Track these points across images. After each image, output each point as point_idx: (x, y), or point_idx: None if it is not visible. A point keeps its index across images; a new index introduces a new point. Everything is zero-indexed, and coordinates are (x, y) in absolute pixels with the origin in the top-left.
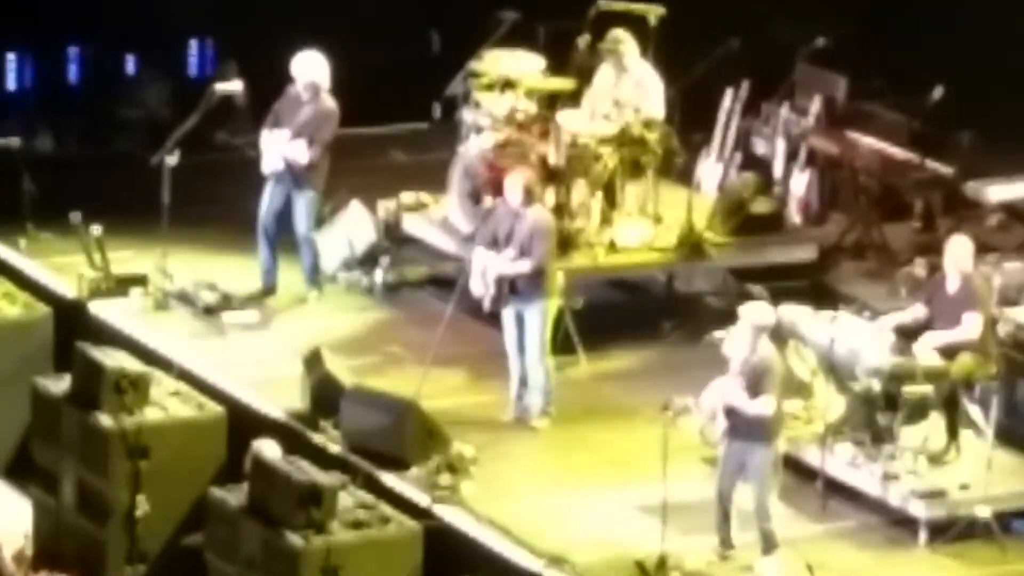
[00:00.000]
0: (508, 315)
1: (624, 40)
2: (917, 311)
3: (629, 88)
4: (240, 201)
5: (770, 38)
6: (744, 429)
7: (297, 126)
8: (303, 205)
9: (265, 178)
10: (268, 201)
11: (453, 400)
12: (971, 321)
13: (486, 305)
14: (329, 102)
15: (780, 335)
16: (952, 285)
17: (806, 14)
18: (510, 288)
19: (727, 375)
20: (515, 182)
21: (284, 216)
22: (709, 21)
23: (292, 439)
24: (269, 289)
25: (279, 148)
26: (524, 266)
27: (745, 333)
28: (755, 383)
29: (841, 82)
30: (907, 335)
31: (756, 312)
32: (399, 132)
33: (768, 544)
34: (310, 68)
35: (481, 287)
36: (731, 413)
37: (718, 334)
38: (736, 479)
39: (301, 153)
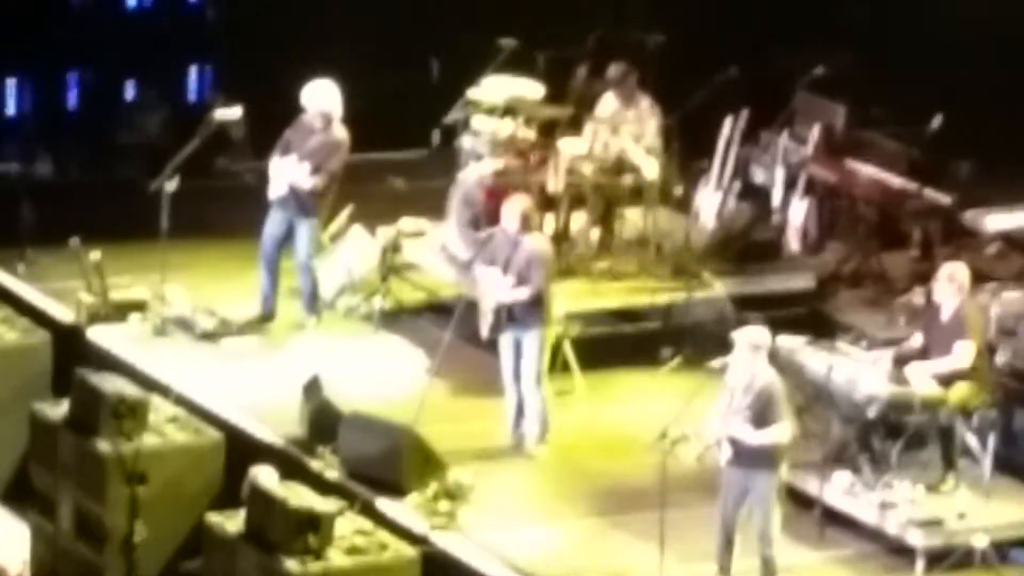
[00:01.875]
0: (505, 342)
1: (629, 73)
2: (916, 340)
3: (631, 117)
4: (239, 227)
5: (769, 66)
6: (748, 457)
7: (305, 153)
8: (304, 232)
9: (268, 204)
10: (271, 227)
11: (451, 427)
12: (962, 350)
13: (484, 333)
14: (340, 132)
15: (777, 364)
16: (945, 313)
17: (805, 42)
18: (508, 315)
19: (730, 404)
20: (513, 209)
21: (286, 243)
22: (708, 49)
23: (290, 465)
24: (268, 315)
25: (286, 174)
26: (522, 293)
27: (744, 358)
28: (760, 412)
29: (840, 110)
30: (906, 364)
31: (751, 335)
32: (398, 159)
33: (768, 570)
34: (322, 97)
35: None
36: (735, 442)
37: (719, 362)
38: (740, 506)
39: (304, 179)
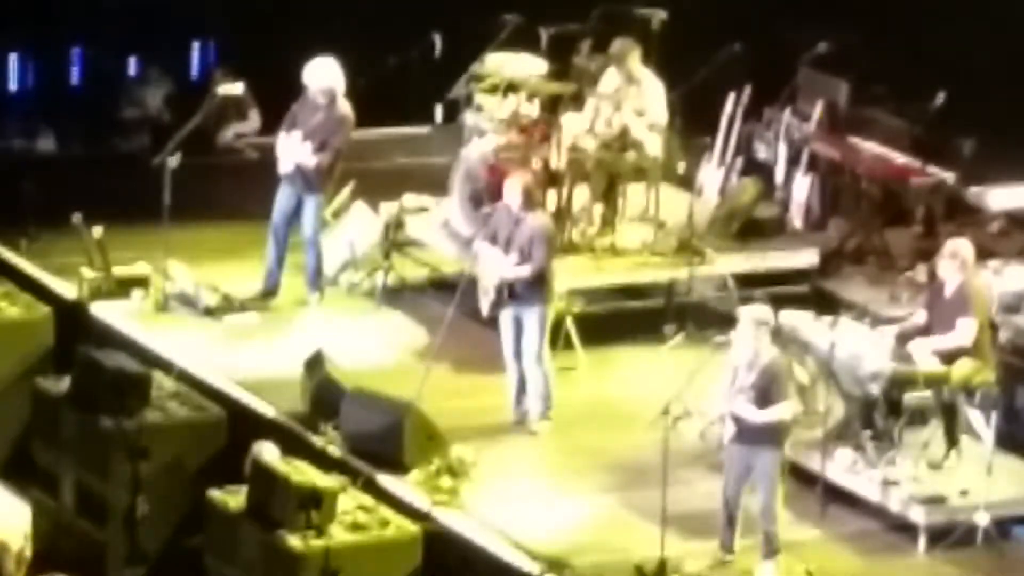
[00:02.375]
0: (506, 319)
1: (632, 48)
2: (920, 316)
3: (633, 93)
4: (242, 203)
5: (772, 43)
6: (751, 435)
7: (310, 129)
8: (311, 208)
9: (272, 180)
10: (280, 202)
11: (453, 403)
12: (965, 327)
13: (484, 311)
14: (345, 108)
15: (781, 340)
16: (949, 290)
17: (808, 19)
18: (509, 292)
19: (733, 382)
20: (515, 185)
21: (295, 218)
22: (711, 26)
23: (292, 441)
24: (271, 290)
25: (292, 151)
26: (524, 271)
27: (747, 335)
28: (764, 390)
29: (843, 87)
30: (909, 341)
31: (755, 311)
32: (401, 135)
33: (770, 547)
34: (325, 74)
35: (485, 292)
36: (738, 420)
37: (721, 338)
38: (742, 483)
39: (309, 157)
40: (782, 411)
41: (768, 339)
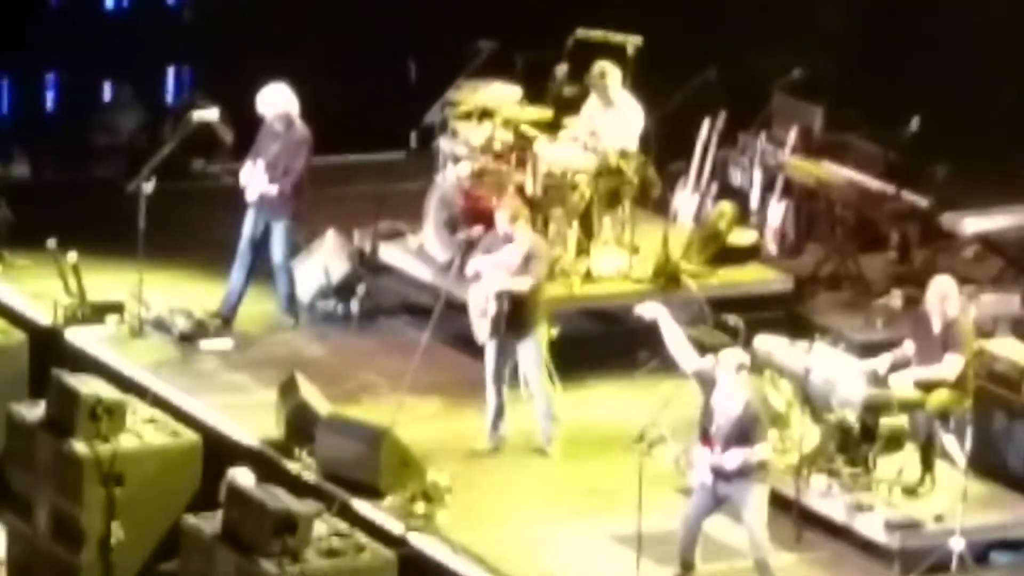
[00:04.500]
0: (491, 344)
1: (610, 73)
2: (908, 347)
3: (609, 119)
4: (216, 228)
5: (746, 69)
6: (734, 475)
7: (271, 157)
8: (279, 234)
9: (246, 205)
10: (246, 229)
11: (428, 429)
12: (952, 363)
13: (483, 335)
14: (303, 130)
15: (755, 366)
16: (937, 325)
17: (782, 44)
18: (508, 318)
19: (714, 428)
20: (505, 210)
21: (263, 245)
22: (686, 52)
23: (267, 467)
24: (228, 316)
25: (255, 180)
26: (525, 283)
27: (727, 380)
28: (744, 432)
29: (818, 113)
30: (896, 371)
31: (735, 356)
32: (376, 161)
33: (764, 573)
34: (278, 100)
35: (483, 314)
36: (718, 469)
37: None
38: (709, 512)
39: (268, 186)
40: (762, 452)
41: (746, 380)
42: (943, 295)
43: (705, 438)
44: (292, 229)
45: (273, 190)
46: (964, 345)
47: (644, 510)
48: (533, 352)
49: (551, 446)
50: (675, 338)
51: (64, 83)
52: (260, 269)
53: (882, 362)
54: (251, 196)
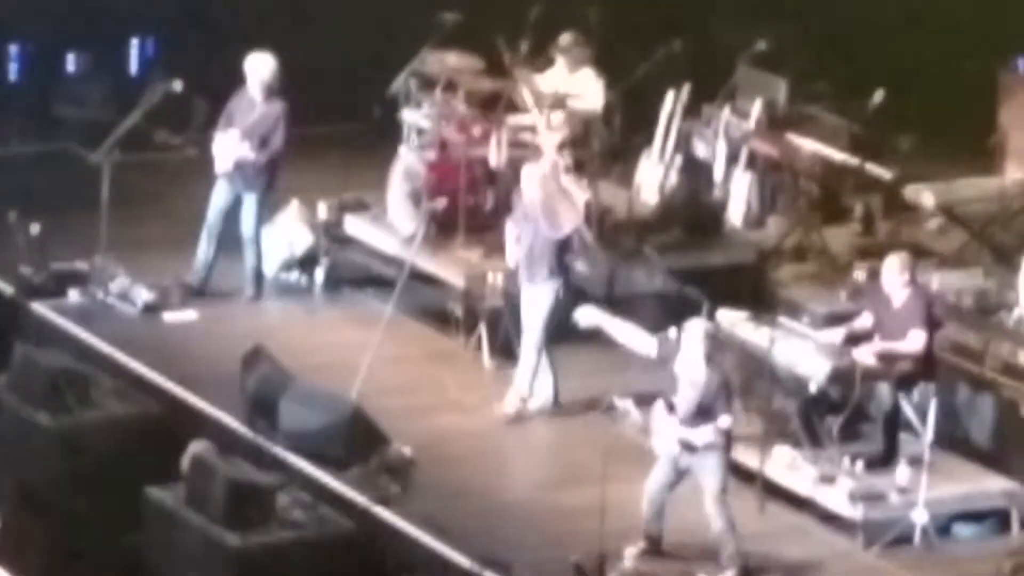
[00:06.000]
0: (527, 297)
1: (577, 43)
2: (866, 319)
3: (574, 89)
4: (180, 199)
5: (711, 40)
6: (698, 447)
7: (248, 127)
8: (251, 206)
9: (211, 177)
10: (215, 201)
11: (393, 401)
12: (916, 338)
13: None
14: (282, 104)
15: (719, 339)
16: (897, 299)
17: (746, 16)
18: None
19: (680, 398)
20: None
21: (231, 216)
22: (650, 23)
23: (230, 438)
24: (200, 287)
25: (230, 149)
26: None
27: (693, 351)
28: (709, 405)
29: (782, 85)
30: (854, 342)
31: (700, 327)
32: (340, 132)
33: (729, 528)
34: (262, 69)
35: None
36: (685, 442)
37: (670, 334)
38: (676, 482)
39: (248, 153)
40: (726, 422)
41: (710, 351)
42: (902, 272)
43: (670, 407)
44: (264, 201)
45: (251, 157)
46: (927, 320)
47: (608, 481)
48: (545, 300)
49: (540, 410)
50: (623, 332)
51: (27, 54)
52: (225, 240)
53: (837, 334)
54: (223, 166)
